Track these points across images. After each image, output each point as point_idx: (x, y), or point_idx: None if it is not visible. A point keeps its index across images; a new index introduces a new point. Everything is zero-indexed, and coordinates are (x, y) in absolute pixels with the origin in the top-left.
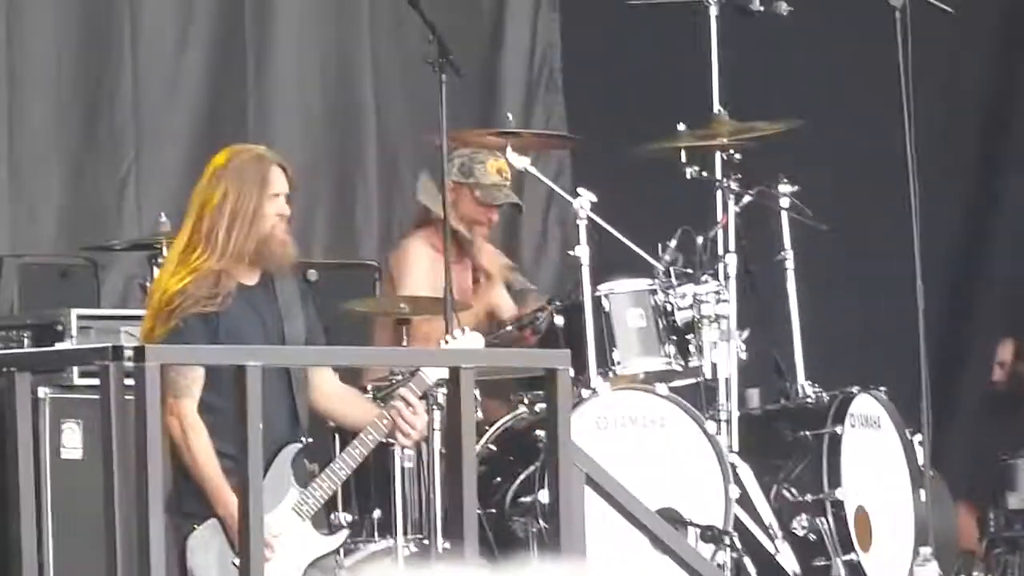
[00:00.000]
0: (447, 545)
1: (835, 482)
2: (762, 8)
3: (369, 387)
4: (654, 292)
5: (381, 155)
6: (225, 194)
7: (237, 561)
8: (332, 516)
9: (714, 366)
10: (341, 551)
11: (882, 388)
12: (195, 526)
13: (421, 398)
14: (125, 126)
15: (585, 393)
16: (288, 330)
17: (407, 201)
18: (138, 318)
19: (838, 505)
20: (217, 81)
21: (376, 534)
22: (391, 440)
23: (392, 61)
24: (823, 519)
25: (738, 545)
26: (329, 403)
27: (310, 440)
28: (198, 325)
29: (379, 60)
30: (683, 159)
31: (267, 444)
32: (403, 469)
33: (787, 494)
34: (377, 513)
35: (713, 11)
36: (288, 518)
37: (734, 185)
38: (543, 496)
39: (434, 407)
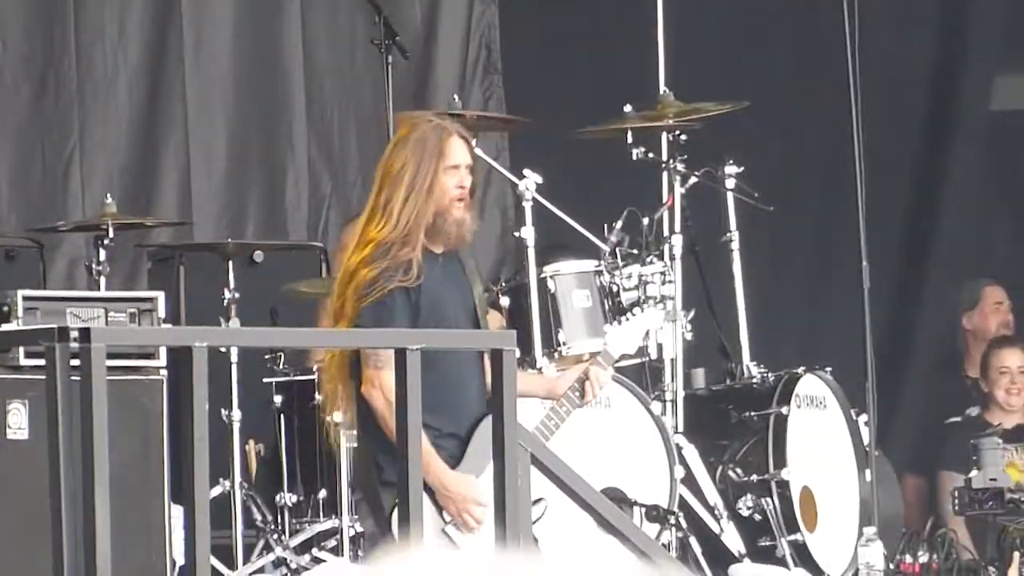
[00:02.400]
0: None
1: (780, 462)
2: None
3: (315, 368)
4: (599, 273)
5: (311, 136)
6: (404, 165)
7: (447, 529)
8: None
9: (659, 347)
10: (284, 532)
11: (828, 368)
12: (396, 501)
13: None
14: (69, 108)
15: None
16: (476, 298)
17: (338, 182)
18: (84, 299)
19: (783, 485)
20: (156, 63)
21: (321, 514)
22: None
23: (324, 41)
24: (768, 499)
25: (683, 525)
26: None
27: None
28: (401, 298)
29: (311, 41)
30: (629, 140)
31: (465, 417)
32: (348, 449)
33: (732, 474)
34: (323, 493)
35: None
36: (490, 486)
37: (680, 166)
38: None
39: None
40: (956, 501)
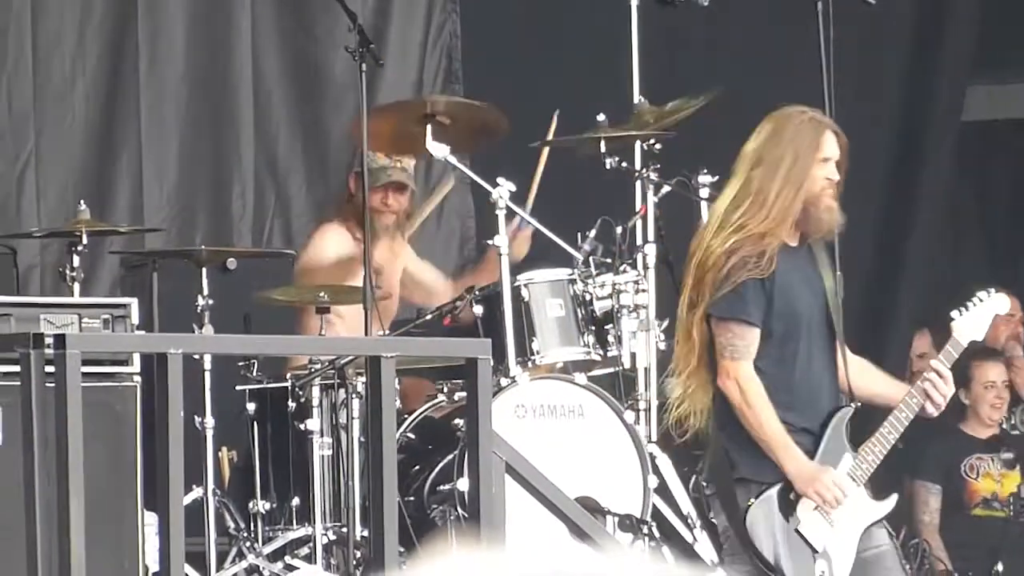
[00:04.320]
0: (365, 533)
1: None
2: None
3: (288, 375)
4: (573, 282)
5: (258, 146)
6: (781, 156)
7: (800, 528)
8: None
9: (633, 356)
10: (257, 540)
11: None
12: (751, 500)
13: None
14: (26, 116)
15: (504, 382)
16: (827, 292)
17: (281, 192)
18: (59, 306)
19: None
20: (113, 72)
21: (294, 522)
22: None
23: (273, 52)
24: None
25: (656, 534)
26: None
27: (857, 404)
28: (755, 288)
29: (260, 52)
30: (603, 149)
31: (817, 412)
32: (322, 457)
33: (706, 484)
34: (296, 501)
35: (634, 1)
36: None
37: (653, 175)
38: (461, 484)
39: (352, 395)
40: None
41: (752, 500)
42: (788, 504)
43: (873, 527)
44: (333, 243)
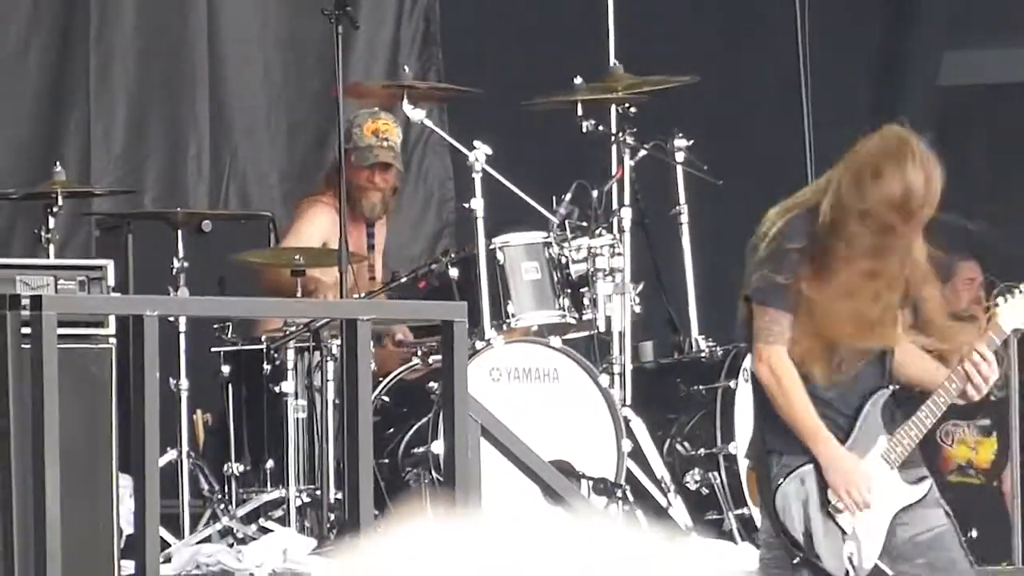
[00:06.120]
0: (339, 496)
1: (728, 437)
2: None
3: (263, 338)
4: (549, 245)
5: (214, 107)
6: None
7: (831, 510)
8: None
9: (608, 319)
10: (231, 502)
11: None
12: (781, 479)
13: (995, 352)
14: None
15: (479, 345)
16: None
17: (237, 154)
18: (35, 267)
19: (731, 459)
20: (64, 30)
21: (268, 484)
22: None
23: (229, 13)
24: (716, 473)
25: (630, 498)
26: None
27: (896, 387)
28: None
29: (216, 13)
30: (579, 113)
31: (857, 390)
32: (296, 420)
33: (680, 448)
34: (270, 463)
35: None
36: (877, 465)
37: (629, 139)
38: (436, 447)
39: (327, 358)
40: None
41: (782, 480)
42: (822, 484)
43: (927, 507)
44: (325, 224)
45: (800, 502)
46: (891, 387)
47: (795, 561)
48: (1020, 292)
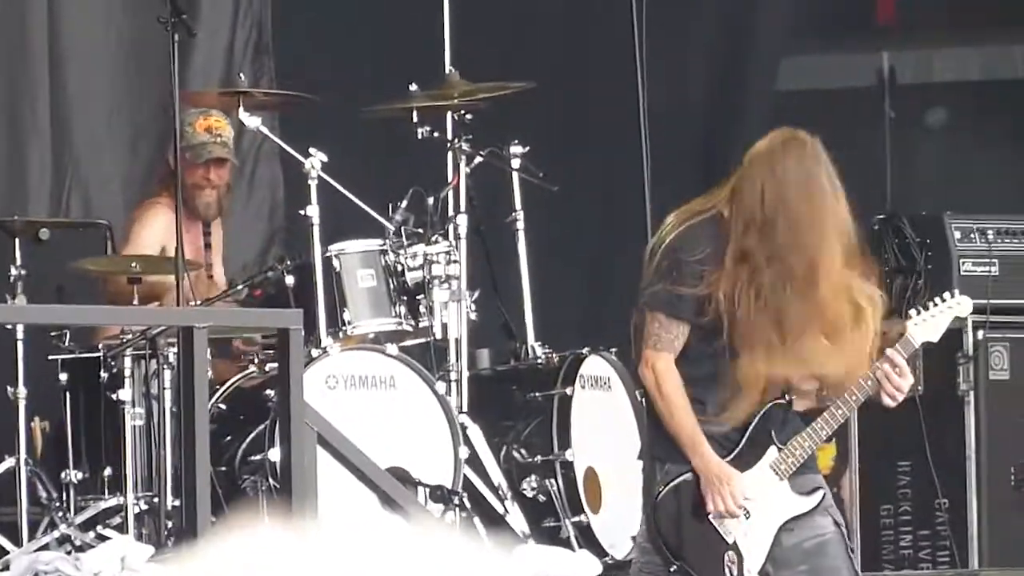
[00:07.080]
0: (176, 503)
1: (565, 443)
2: None
3: (101, 345)
4: (384, 252)
5: (55, 114)
6: None
7: (712, 518)
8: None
9: (444, 326)
10: (69, 509)
11: (612, 349)
12: (661, 487)
13: (907, 360)
14: None
15: (315, 353)
16: None
17: (79, 161)
18: None
19: (567, 466)
20: None
21: (106, 491)
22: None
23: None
24: (552, 480)
25: (467, 505)
26: None
27: (792, 397)
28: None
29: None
30: (414, 119)
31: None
32: (134, 427)
33: (517, 455)
34: (108, 471)
35: None
36: (764, 476)
37: (465, 146)
38: (273, 454)
39: (164, 366)
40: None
41: (663, 488)
42: (701, 493)
43: (815, 515)
44: (162, 227)
45: (679, 510)
46: (787, 398)
47: (672, 569)
48: (934, 305)
